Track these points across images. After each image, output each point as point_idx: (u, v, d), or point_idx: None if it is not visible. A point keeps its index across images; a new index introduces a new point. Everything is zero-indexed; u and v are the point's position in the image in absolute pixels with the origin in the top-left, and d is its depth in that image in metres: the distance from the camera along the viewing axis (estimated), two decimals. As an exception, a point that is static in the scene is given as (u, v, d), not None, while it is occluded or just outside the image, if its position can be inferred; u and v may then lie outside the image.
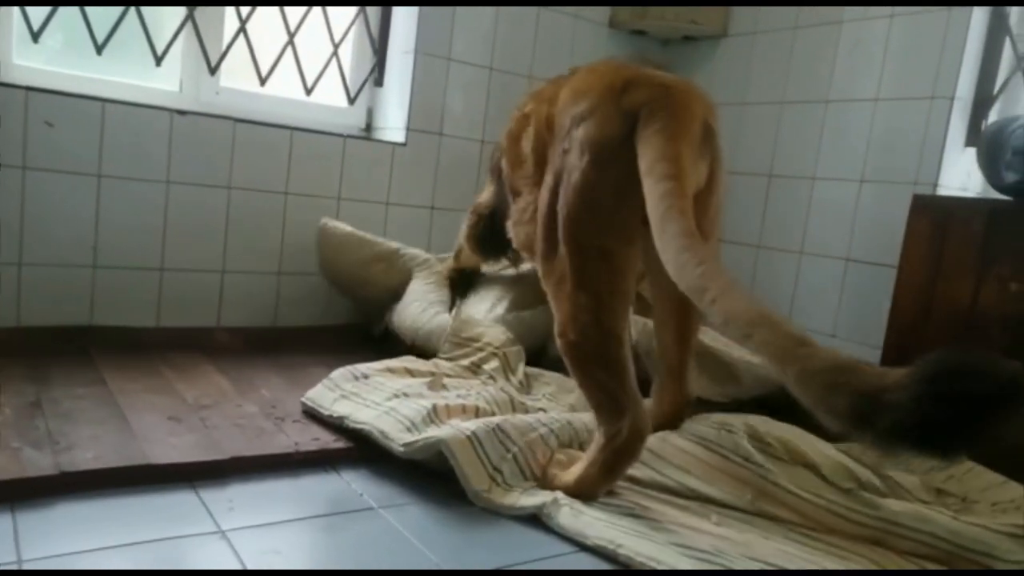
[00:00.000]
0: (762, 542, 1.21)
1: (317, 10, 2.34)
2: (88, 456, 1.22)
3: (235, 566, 1.02)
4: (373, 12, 2.45)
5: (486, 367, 1.78)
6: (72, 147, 1.91)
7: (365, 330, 2.25)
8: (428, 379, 1.68)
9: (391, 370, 1.70)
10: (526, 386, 1.79)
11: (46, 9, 1.94)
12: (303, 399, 1.59)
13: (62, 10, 1.96)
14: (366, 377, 1.63)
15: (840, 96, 2.36)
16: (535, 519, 1.25)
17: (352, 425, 1.45)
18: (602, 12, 2.72)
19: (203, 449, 1.31)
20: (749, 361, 2.08)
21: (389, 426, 1.41)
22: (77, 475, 1.17)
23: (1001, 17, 2.08)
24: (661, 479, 1.38)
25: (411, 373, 1.71)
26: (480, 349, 1.83)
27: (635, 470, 1.39)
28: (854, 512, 1.28)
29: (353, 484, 1.32)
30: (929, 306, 1.79)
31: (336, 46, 2.38)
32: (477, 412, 1.52)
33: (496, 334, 1.86)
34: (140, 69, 2.11)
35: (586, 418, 1.51)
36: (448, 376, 1.73)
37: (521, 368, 1.82)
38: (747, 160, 2.61)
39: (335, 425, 1.49)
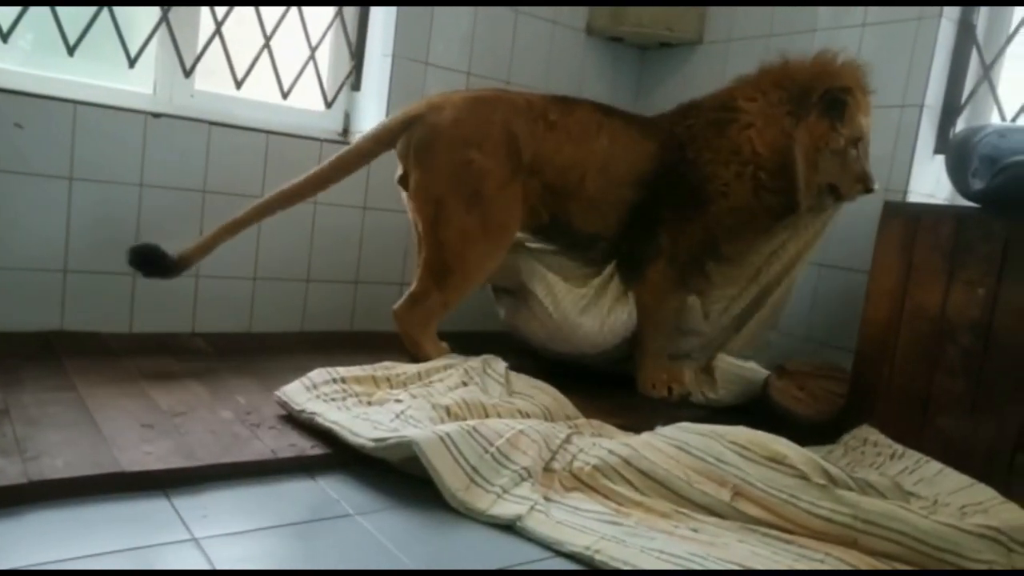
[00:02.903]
0: (737, 546, 1.23)
1: (294, 13, 2.33)
2: (58, 464, 1.20)
3: (209, 575, 1.01)
4: (351, 16, 2.44)
5: (469, 364, 1.81)
6: (42, 149, 1.88)
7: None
8: (404, 387, 1.69)
9: (372, 377, 1.70)
10: (508, 383, 1.79)
11: (16, 9, 1.91)
12: (277, 393, 1.59)
13: (32, 10, 1.93)
14: (343, 380, 1.63)
15: (813, 103, 2.39)
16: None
17: (322, 423, 1.45)
18: (580, 19, 2.73)
19: (177, 456, 1.29)
20: (729, 361, 2.12)
21: (360, 426, 1.42)
22: (46, 484, 1.15)
23: (968, 28, 2.12)
24: (640, 485, 1.39)
25: (389, 381, 1.71)
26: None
27: (615, 479, 1.40)
28: (827, 510, 1.30)
29: (330, 490, 1.31)
30: (900, 310, 1.82)
31: (313, 49, 2.37)
32: (448, 412, 1.53)
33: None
34: (113, 71, 2.08)
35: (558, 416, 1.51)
36: (427, 378, 1.74)
37: (501, 367, 1.83)
38: (722, 166, 2.63)
39: (308, 427, 1.49)
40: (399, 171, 2.00)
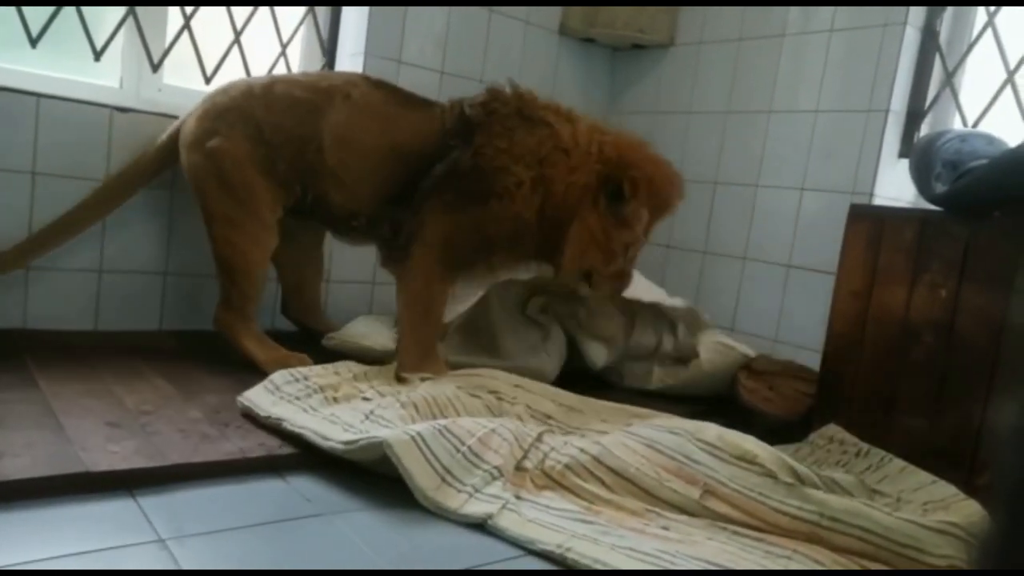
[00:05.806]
0: (707, 543, 1.24)
1: (265, 8, 2.30)
2: (20, 464, 1.17)
3: (177, 576, 0.99)
4: (323, 12, 2.42)
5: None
6: (4, 143, 1.84)
7: None
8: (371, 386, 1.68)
9: (336, 373, 1.69)
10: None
11: (-23, -1, 1.86)
12: (240, 398, 1.56)
13: (-5, 0, 1.89)
14: (306, 379, 1.62)
15: (782, 107, 2.43)
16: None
17: (290, 428, 1.43)
18: (553, 19, 2.74)
19: (144, 456, 1.27)
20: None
21: (329, 429, 1.40)
22: (8, 484, 1.12)
23: (932, 35, 2.17)
24: (611, 483, 1.40)
25: (353, 374, 1.70)
26: None
27: (586, 478, 1.41)
28: (794, 507, 1.32)
29: (301, 490, 1.30)
30: (866, 311, 1.86)
31: (284, 46, 2.35)
32: (417, 409, 1.52)
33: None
34: (78, 63, 2.04)
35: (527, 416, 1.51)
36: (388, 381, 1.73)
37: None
38: (693, 167, 2.66)
39: (276, 429, 1.47)
40: None
